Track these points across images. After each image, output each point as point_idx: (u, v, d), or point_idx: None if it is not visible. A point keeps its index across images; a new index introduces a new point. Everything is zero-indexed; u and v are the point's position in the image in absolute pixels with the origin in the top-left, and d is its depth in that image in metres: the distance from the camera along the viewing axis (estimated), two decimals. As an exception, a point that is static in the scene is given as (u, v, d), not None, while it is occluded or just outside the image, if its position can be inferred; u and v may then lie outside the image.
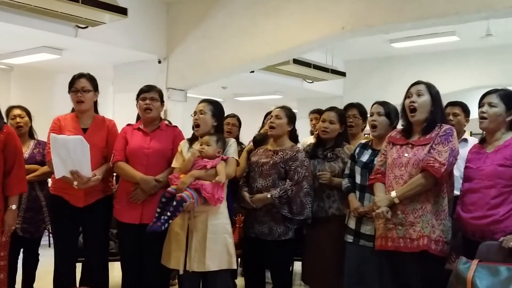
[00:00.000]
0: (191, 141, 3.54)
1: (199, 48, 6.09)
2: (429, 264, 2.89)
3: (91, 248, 3.58)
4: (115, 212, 3.58)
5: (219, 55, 5.87)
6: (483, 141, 3.05)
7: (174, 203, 3.17)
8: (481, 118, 2.96)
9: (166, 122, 3.85)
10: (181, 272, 3.29)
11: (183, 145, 3.52)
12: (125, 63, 6.92)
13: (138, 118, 3.74)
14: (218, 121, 3.51)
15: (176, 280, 4.11)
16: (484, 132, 3.07)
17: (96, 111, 3.68)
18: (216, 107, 3.51)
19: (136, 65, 6.78)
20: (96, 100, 3.66)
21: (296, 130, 3.76)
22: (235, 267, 3.39)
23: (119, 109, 6.71)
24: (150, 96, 3.55)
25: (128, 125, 3.68)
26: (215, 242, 3.27)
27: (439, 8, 4.09)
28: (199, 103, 3.55)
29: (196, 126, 3.48)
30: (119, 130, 3.67)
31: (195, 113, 3.51)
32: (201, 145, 3.38)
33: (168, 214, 3.18)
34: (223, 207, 3.36)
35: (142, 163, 3.48)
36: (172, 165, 3.47)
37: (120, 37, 6.00)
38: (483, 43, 7.23)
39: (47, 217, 4.01)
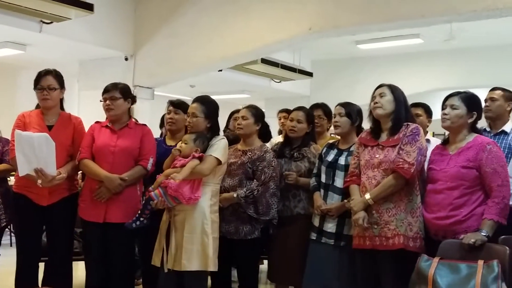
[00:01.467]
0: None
1: (167, 46, 6.04)
2: (405, 261, 2.94)
3: (55, 248, 3.52)
4: (80, 211, 3.53)
5: (187, 53, 5.84)
6: (445, 142, 3.13)
7: (143, 201, 3.17)
8: (444, 119, 3.04)
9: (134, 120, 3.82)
10: (165, 270, 3.26)
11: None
12: (91, 60, 6.81)
13: None
14: (212, 122, 3.44)
15: (141, 280, 4.09)
16: (446, 133, 3.16)
17: (62, 108, 3.62)
18: (208, 107, 3.44)
19: (102, 62, 6.68)
20: (62, 97, 3.60)
21: (267, 126, 3.76)
22: (212, 269, 3.29)
23: (84, 107, 6.59)
24: (109, 96, 3.51)
25: (97, 122, 3.63)
26: (191, 242, 3.23)
27: (405, 11, 4.17)
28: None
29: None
30: (85, 128, 3.63)
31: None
32: (181, 143, 3.36)
33: (139, 212, 3.19)
34: (202, 207, 3.28)
35: (108, 161, 3.44)
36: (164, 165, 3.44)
37: (86, 33, 5.90)
38: (446, 46, 7.40)
39: (3, 215, 3.93)
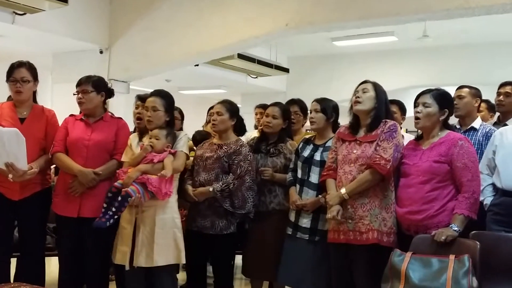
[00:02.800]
0: (141, 134, 3.50)
1: (143, 39, 5.98)
2: (378, 256, 2.99)
3: (27, 243, 3.47)
4: (54, 205, 3.49)
5: (163, 47, 5.80)
6: (419, 138, 3.19)
7: (119, 198, 3.13)
8: (416, 118, 3.09)
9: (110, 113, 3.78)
10: (127, 267, 3.24)
11: (133, 139, 3.48)
12: (65, 52, 6.70)
13: None
14: (170, 115, 3.46)
15: (114, 276, 4.05)
16: (419, 130, 3.21)
17: (35, 100, 3.56)
18: (167, 101, 3.45)
19: (77, 55, 6.58)
20: (35, 90, 3.54)
21: (242, 120, 3.77)
22: (183, 261, 3.35)
23: (58, 100, 6.48)
24: (81, 89, 3.47)
25: (71, 115, 3.59)
26: (163, 237, 3.23)
27: (380, 8, 4.21)
28: (150, 97, 3.45)
29: (148, 121, 3.41)
30: (59, 121, 3.58)
31: (146, 108, 3.42)
32: (150, 139, 3.34)
33: (113, 209, 3.15)
34: (172, 201, 3.33)
35: (82, 154, 3.40)
36: (122, 159, 3.42)
37: (60, 25, 5.80)
38: (420, 44, 7.50)
39: None
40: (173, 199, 3.34)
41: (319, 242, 3.33)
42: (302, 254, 3.40)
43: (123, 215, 3.27)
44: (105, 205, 3.18)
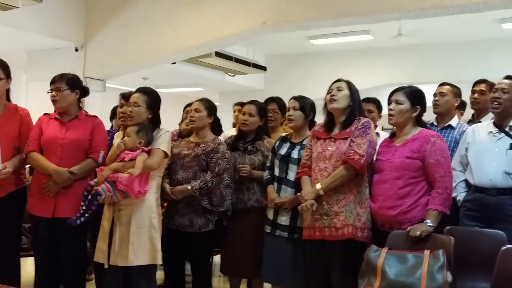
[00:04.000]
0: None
1: (119, 37, 5.92)
2: (353, 251, 3.02)
3: (2, 243, 3.40)
4: (28, 205, 3.45)
5: (140, 45, 5.75)
6: (393, 135, 3.23)
7: (89, 196, 3.11)
8: (390, 115, 3.15)
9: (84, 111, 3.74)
10: (105, 266, 3.21)
11: (116, 137, 3.45)
12: (40, 50, 6.59)
13: None
14: (153, 112, 3.42)
15: (93, 275, 4.02)
16: (394, 127, 3.25)
17: (8, 99, 3.51)
18: (151, 98, 3.42)
19: (51, 53, 6.48)
20: (9, 88, 3.49)
21: (219, 120, 3.77)
22: (159, 262, 3.31)
23: (32, 98, 6.38)
24: (55, 87, 3.43)
25: (45, 114, 3.55)
26: (139, 236, 3.20)
27: (356, 7, 4.24)
28: (134, 93, 3.44)
29: (129, 117, 3.40)
30: (33, 120, 3.53)
31: (129, 104, 3.41)
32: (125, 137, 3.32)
33: (84, 208, 3.13)
34: (149, 200, 3.27)
35: (56, 154, 3.37)
36: (106, 158, 3.39)
37: (34, 22, 5.71)
38: (395, 43, 7.58)
39: None
40: (152, 197, 3.29)
41: (299, 240, 3.34)
42: (282, 252, 3.42)
43: (104, 213, 3.24)
44: (82, 204, 3.17)
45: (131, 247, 3.17)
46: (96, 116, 3.66)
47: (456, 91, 3.85)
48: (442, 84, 3.89)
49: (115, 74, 6.45)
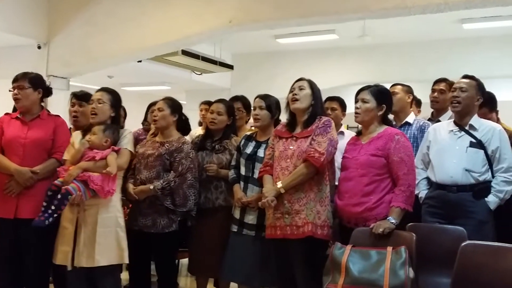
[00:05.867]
0: (85, 132, 3.43)
1: (83, 34, 5.83)
2: (314, 249, 3.05)
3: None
4: (-11, 207, 3.36)
5: (105, 42, 5.67)
6: (359, 134, 3.28)
7: (59, 196, 3.06)
8: (356, 113, 3.19)
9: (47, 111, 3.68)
10: (69, 268, 3.16)
11: (75, 137, 3.41)
12: (1, 48, 6.41)
13: None
14: (116, 111, 3.43)
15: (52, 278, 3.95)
16: (359, 126, 3.30)
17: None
18: (114, 97, 3.42)
19: (13, 50, 6.31)
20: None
21: (186, 118, 3.76)
22: (126, 261, 3.30)
23: (-7, 97, 6.25)
24: (17, 85, 3.38)
25: (6, 114, 3.48)
26: (105, 236, 3.18)
27: (320, 7, 4.28)
28: (97, 92, 3.42)
29: (92, 114, 3.36)
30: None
31: (92, 101, 3.38)
32: (89, 136, 3.29)
33: (53, 208, 3.08)
34: (115, 200, 3.27)
35: (18, 153, 3.31)
36: (64, 157, 3.35)
37: (-6, 19, 5.58)
38: (360, 42, 7.68)
39: None
40: (116, 197, 3.29)
41: (266, 238, 3.33)
42: (249, 251, 3.43)
43: (64, 214, 3.19)
44: (44, 204, 3.11)
45: (98, 247, 3.14)
46: (58, 116, 3.61)
47: (407, 89, 3.97)
48: (393, 85, 4.02)
49: (79, 72, 6.35)
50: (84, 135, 3.40)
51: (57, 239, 3.26)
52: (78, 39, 5.87)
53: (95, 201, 3.18)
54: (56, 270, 3.46)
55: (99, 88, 3.48)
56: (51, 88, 3.63)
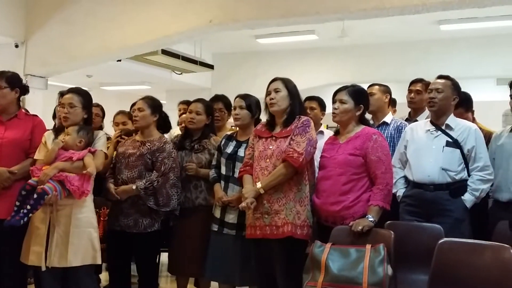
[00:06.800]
0: (57, 132, 3.39)
1: (62, 33, 5.77)
2: (294, 249, 3.06)
3: None
4: (-34, 207, 3.30)
5: (84, 41, 5.61)
6: (337, 133, 3.31)
7: (35, 195, 3.03)
8: (334, 113, 3.21)
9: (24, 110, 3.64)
10: (43, 268, 3.13)
11: (48, 136, 3.37)
12: (-23, 46, 6.35)
13: None
14: (88, 113, 3.40)
15: (33, 279, 3.91)
16: (338, 126, 3.33)
17: None
18: (85, 98, 3.39)
19: (-10, 49, 6.26)
20: None
21: (167, 117, 3.75)
22: (99, 262, 3.29)
23: (-31, 96, 6.14)
24: None
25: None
26: (78, 237, 3.16)
27: (300, 7, 4.30)
28: (67, 94, 3.38)
29: (64, 118, 3.33)
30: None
31: (63, 105, 3.34)
32: (65, 136, 3.26)
33: (28, 207, 3.04)
34: (88, 200, 3.26)
35: (-5, 154, 3.26)
36: (35, 157, 3.30)
37: (-30, 18, 5.50)
38: (339, 43, 7.75)
39: None
40: (90, 198, 3.28)
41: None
42: (230, 250, 3.43)
43: (36, 214, 3.15)
44: (17, 203, 3.07)
45: (71, 248, 3.12)
46: (36, 115, 3.58)
47: (384, 89, 4.02)
48: (371, 85, 4.06)
49: (57, 72, 6.28)
50: (56, 135, 3.37)
51: (27, 239, 3.22)
52: (56, 38, 5.81)
53: (69, 201, 3.16)
54: (36, 271, 3.42)
55: (68, 89, 3.43)
56: (28, 86, 3.59)
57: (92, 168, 3.15)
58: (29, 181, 3.13)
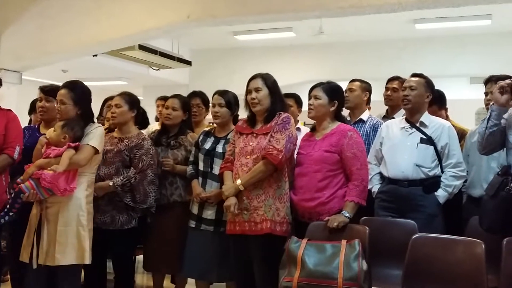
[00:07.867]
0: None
1: (37, 27, 5.68)
2: (273, 245, 3.06)
3: None
4: None
5: (59, 36, 5.54)
6: (313, 130, 3.34)
7: (13, 194, 2.99)
8: (309, 109, 3.25)
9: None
10: (34, 266, 3.07)
11: (48, 134, 3.31)
12: (-51, 40, 6.21)
13: None
14: (82, 108, 3.28)
15: (8, 276, 3.86)
16: (314, 122, 3.36)
17: None
18: (76, 93, 3.27)
19: (-38, 43, 6.12)
20: None
21: (144, 112, 3.73)
22: (88, 261, 3.17)
23: None
24: None
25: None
26: (66, 235, 3.08)
27: (278, 4, 4.32)
28: (60, 90, 3.28)
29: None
30: None
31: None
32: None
33: (7, 206, 3.00)
34: (79, 198, 3.15)
35: (-32, 150, 3.20)
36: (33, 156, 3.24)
37: None
38: (316, 40, 7.79)
39: None
40: (81, 195, 3.16)
41: (224, 233, 3.32)
42: (208, 246, 3.43)
43: (31, 210, 3.12)
44: (9, 201, 3.06)
45: (58, 246, 3.06)
46: (10, 110, 3.50)
47: (365, 86, 4.03)
48: (352, 81, 4.07)
49: (32, 66, 6.20)
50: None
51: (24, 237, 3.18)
52: (31, 32, 5.72)
53: (57, 199, 3.09)
54: (15, 267, 3.36)
55: (63, 84, 3.33)
56: (0, 80, 3.52)
57: (60, 165, 3.01)
58: (17, 180, 3.09)
